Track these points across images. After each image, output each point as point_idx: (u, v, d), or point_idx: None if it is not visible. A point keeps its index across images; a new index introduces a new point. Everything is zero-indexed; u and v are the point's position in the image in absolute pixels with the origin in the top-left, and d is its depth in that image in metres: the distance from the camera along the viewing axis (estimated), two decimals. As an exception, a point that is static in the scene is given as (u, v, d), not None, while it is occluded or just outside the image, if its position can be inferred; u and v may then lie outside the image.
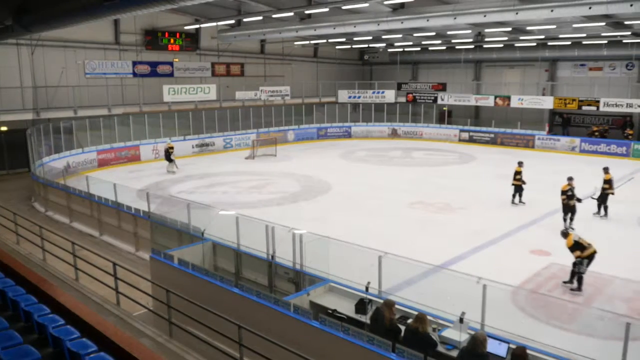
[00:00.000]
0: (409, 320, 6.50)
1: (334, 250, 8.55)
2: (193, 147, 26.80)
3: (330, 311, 7.20)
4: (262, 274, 8.91)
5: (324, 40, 32.67)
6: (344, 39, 31.82)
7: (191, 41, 28.64)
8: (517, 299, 9.43)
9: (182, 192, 17.61)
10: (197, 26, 27.55)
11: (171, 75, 27.21)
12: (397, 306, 6.72)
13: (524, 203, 16.07)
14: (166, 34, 27.46)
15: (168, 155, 21.84)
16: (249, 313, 7.32)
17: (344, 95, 34.75)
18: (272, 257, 8.61)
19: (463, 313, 6.37)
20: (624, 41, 27.02)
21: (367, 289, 7.25)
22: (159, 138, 25.41)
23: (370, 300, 7.18)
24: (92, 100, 24.35)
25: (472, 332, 6.03)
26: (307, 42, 32.95)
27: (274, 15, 22.66)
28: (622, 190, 15.78)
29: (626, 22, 22.71)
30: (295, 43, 32.69)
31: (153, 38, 27.05)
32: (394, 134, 33.79)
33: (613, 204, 14.90)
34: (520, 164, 16.33)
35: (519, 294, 9.60)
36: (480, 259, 11.50)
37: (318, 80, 35.22)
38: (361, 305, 7.10)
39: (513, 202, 16.14)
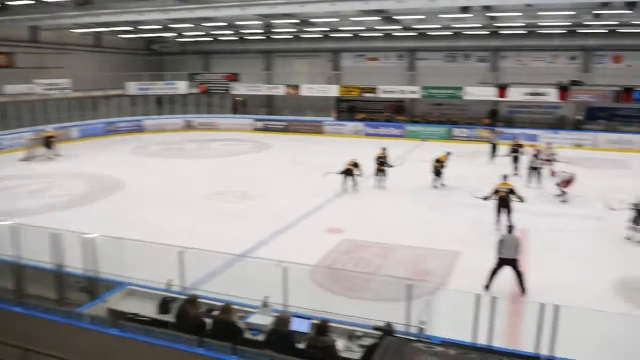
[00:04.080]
0: (215, 312, 6.46)
1: (131, 251, 8.11)
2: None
3: (131, 316, 6.81)
4: (49, 287, 8.04)
5: (108, 29, 30.48)
6: (130, 28, 30.03)
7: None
8: (316, 276, 9.99)
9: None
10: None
11: None
12: (201, 300, 6.62)
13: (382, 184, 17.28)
14: None
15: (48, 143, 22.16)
16: (39, 333, 6.56)
17: (133, 87, 32.94)
18: (60, 266, 7.82)
19: (266, 297, 6.54)
20: (395, 34, 30.17)
21: (168, 287, 7.02)
22: None
23: (174, 298, 6.96)
24: None
25: (277, 315, 6.22)
26: (89, 30, 30.38)
27: (46, -1, 20.40)
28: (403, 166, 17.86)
29: (396, 17, 25.29)
30: (73, 31, 29.90)
31: None
32: (188, 126, 33.11)
33: (395, 180, 16.89)
34: (383, 149, 17.59)
35: (317, 272, 10.19)
36: (281, 243, 11.92)
37: (103, 72, 32.70)
38: (164, 305, 6.84)
39: (379, 184, 17.23)
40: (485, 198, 12.82)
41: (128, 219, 13.69)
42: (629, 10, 20.07)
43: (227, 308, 6.15)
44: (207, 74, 35.58)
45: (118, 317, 6.82)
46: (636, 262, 10.74)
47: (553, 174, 17.06)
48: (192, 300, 6.32)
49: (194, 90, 34.30)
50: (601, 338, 6.79)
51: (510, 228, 9.60)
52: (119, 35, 34.03)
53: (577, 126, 28.18)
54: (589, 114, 28.92)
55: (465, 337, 6.24)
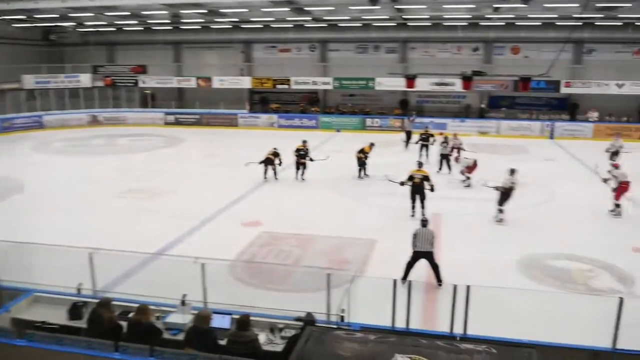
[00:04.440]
0: (131, 314, 6.21)
1: (36, 256, 7.63)
2: None
3: (39, 324, 6.40)
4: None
5: (-2, 17, 28.26)
6: (23, 16, 27.97)
7: None
8: (235, 271, 9.87)
9: None
10: None
11: None
12: (115, 302, 6.35)
13: (304, 179, 16.96)
14: None
15: None
16: None
17: (30, 81, 30.80)
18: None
19: (184, 295, 6.39)
20: (306, 25, 30.26)
21: (79, 291, 6.67)
22: None
23: (85, 303, 6.62)
24: None
25: (196, 312, 6.09)
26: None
27: None
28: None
29: (306, 9, 25.37)
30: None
31: None
32: (94, 121, 31.51)
33: (312, 171, 16.92)
34: (304, 142, 17.14)
35: (236, 266, 10.07)
36: (197, 239, 11.67)
37: (-5, 64, 30.29)
38: (75, 310, 6.48)
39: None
40: (402, 183, 13.20)
41: (31, 222, 12.81)
42: (524, 4, 21.38)
43: (143, 309, 5.94)
44: (112, 66, 33.98)
45: (24, 327, 6.39)
46: (535, 241, 11.49)
47: (457, 160, 17.91)
48: (105, 304, 6.04)
49: (99, 84, 32.65)
50: (510, 313, 7.20)
51: (424, 222, 9.42)
52: (13, 25, 31.57)
53: (481, 114, 29.73)
54: (492, 102, 30.64)
55: (384, 322, 6.42)
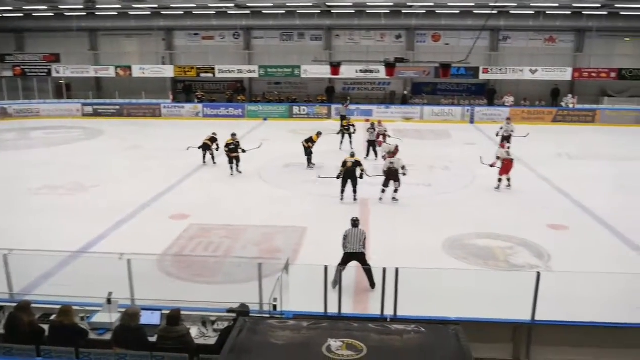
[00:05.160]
0: (53, 317, 5.92)
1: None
2: None
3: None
4: None
5: None
6: None
7: None
8: (163, 265, 9.63)
9: None
10: None
11: None
12: (36, 305, 6.04)
13: (240, 172, 16.38)
14: None
15: None
16: None
17: None
18: None
19: (110, 293, 6.16)
20: (229, 12, 29.69)
21: (-6, 295, 6.28)
22: None
23: (2, 307, 6.25)
24: None
25: (124, 310, 5.89)
26: None
27: None
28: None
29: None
30: None
31: None
32: (3, 114, 29.52)
33: (247, 163, 16.53)
34: (233, 135, 16.53)
35: (164, 261, 9.82)
36: (122, 235, 11.25)
37: None
38: (-10, 316, 6.11)
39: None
40: (338, 176, 13.38)
41: None
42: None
43: (65, 310, 5.67)
44: (21, 55, 31.90)
45: None
46: (458, 222, 11.96)
47: (379, 145, 18.30)
48: (24, 307, 5.72)
49: (7, 74, 30.64)
50: (438, 293, 7.45)
51: (355, 222, 8.82)
52: None
53: (405, 101, 30.45)
54: (415, 89, 31.45)
55: (317, 308, 6.49)
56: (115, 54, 32.55)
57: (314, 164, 17.28)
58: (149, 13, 30.41)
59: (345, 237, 8.55)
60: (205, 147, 17.39)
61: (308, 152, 17.26)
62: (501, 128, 19.44)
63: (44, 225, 11.73)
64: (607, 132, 25.29)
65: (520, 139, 18.96)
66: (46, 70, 30.95)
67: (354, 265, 8.40)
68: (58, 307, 5.98)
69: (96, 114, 30.22)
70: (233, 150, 16.26)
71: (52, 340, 5.47)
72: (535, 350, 6.31)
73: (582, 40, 29.82)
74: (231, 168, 16.37)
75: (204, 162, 17.47)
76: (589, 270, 8.47)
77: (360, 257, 8.41)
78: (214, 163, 17.44)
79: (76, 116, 30.00)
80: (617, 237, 11.11)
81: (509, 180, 14.52)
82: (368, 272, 8.36)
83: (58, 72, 31.03)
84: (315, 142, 17.42)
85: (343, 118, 23.36)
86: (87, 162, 18.34)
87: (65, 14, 30.56)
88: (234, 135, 16.69)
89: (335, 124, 24.07)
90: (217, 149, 17.48)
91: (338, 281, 7.45)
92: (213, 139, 17.53)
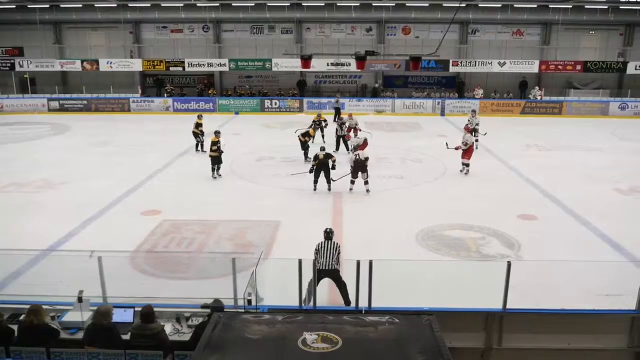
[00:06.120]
0: (22, 317, 5.79)
1: None
2: None
3: None
4: None
5: None
6: None
7: None
8: (136, 262, 9.50)
9: None
10: None
11: None
12: (3, 305, 5.92)
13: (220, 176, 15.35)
14: None
15: None
16: None
17: None
18: None
19: (81, 292, 6.05)
20: (198, 5, 29.27)
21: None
22: None
23: (-33, 308, 6.08)
24: None
25: (96, 308, 5.80)
26: None
27: None
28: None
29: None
30: None
31: None
32: (-35, 110, 28.71)
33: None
34: (217, 133, 15.31)
35: (137, 257, 9.69)
36: (93, 232, 11.04)
37: None
38: (-45, 317, 5.94)
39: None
40: (311, 170, 13.55)
41: None
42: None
43: (35, 310, 5.54)
44: (-18, 48, 30.99)
45: None
46: (431, 213, 12.10)
47: (348, 139, 18.36)
48: (-9, 308, 5.59)
49: (-33, 68, 29.75)
50: (411, 284, 7.52)
51: (328, 233, 7.86)
52: None
53: (376, 94, 30.58)
54: (386, 82, 31.59)
55: (292, 302, 6.48)
56: (81, 48, 31.82)
57: (310, 158, 16.90)
58: (115, 5, 29.74)
59: (317, 252, 7.57)
60: (196, 136, 18.38)
61: (305, 147, 17.13)
62: (468, 120, 19.68)
63: (12, 224, 11.43)
64: (573, 123, 25.87)
65: (482, 132, 19.20)
66: (9, 64, 30.09)
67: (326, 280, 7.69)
68: (27, 306, 5.85)
69: (62, 109, 29.53)
70: (216, 150, 14.90)
71: (21, 341, 5.35)
72: (507, 337, 6.42)
73: (548, 33, 30.41)
74: (213, 170, 15.16)
75: (197, 150, 18.36)
76: (558, 259, 8.66)
77: (334, 275, 7.49)
78: (203, 151, 17.54)
79: (42, 111, 29.26)
80: (584, 226, 11.40)
81: (468, 165, 15.39)
82: (343, 288, 7.47)
83: (22, 66, 30.19)
84: (313, 136, 17.46)
85: (337, 111, 23.54)
86: (54, 158, 17.94)
87: (29, 6, 29.66)
88: (217, 133, 15.35)
89: (308, 117, 23.96)
90: (202, 134, 18.30)
91: (311, 299, 6.64)
92: (198, 124, 18.40)
